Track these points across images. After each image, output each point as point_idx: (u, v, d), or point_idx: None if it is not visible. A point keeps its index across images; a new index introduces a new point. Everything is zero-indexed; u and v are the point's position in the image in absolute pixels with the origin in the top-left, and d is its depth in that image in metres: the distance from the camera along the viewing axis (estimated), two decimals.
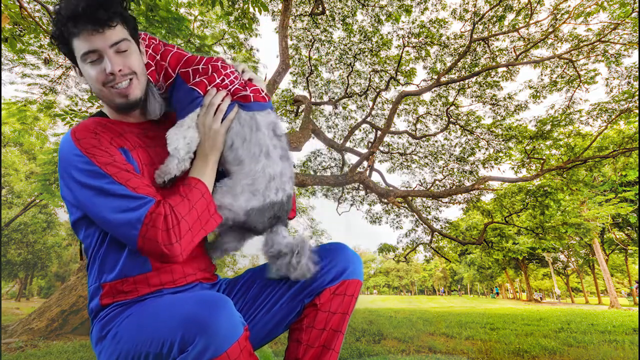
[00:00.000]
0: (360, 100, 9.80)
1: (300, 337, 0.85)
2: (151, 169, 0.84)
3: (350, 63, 8.74)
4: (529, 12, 7.45)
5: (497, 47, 8.40)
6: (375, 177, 12.40)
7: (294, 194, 0.84)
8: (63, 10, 0.75)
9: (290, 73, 8.96)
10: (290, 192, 0.82)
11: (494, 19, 7.79)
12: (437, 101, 9.54)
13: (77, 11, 0.74)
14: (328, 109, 10.33)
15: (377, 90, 9.11)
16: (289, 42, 7.78)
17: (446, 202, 10.59)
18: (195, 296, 0.67)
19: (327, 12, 7.70)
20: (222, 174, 0.90)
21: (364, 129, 10.42)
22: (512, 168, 9.15)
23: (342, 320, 0.86)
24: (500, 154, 9.20)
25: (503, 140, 8.99)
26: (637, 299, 22.37)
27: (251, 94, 0.87)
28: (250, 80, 0.93)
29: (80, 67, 0.80)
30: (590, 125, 8.37)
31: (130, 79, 0.81)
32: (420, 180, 11.00)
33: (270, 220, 0.82)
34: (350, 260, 0.89)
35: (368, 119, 9.11)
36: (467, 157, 9.74)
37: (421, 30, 8.01)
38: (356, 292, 0.88)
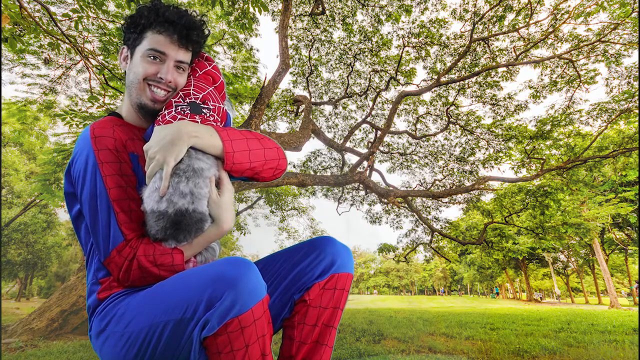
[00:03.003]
0: (360, 100, 9.80)
1: (292, 334, 0.84)
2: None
3: (350, 63, 8.74)
4: (529, 12, 7.44)
5: (497, 47, 8.39)
6: (375, 177, 12.42)
7: (199, 215, 0.78)
8: (164, 9, 0.83)
9: (290, 73, 8.95)
10: (182, 207, 0.75)
11: (494, 19, 7.78)
12: (437, 101, 9.53)
13: (177, 19, 0.84)
14: (328, 109, 10.34)
15: (377, 90, 9.10)
16: (289, 42, 7.79)
17: (446, 202, 10.60)
18: (222, 260, 0.70)
19: (327, 12, 7.70)
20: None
21: (364, 129, 10.42)
22: (512, 168, 9.16)
23: (333, 315, 0.85)
24: (500, 154, 9.20)
25: (503, 140, 8.99)
26: (637, 299, 22.37)
27: None
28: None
29: (136, 54, 0.87)
30: (590, 125, 8.37)
31: (168, 92, 0.88)
32: (420, 180, 11.00)
33: (161, 228, 0.76)
34: (338, 253, 0.87)
35: (368, 119, 9.11)
36: (467, 157, 9.74)
37: (421, 30, 8.00)
38: (347, 286, 0.87)
